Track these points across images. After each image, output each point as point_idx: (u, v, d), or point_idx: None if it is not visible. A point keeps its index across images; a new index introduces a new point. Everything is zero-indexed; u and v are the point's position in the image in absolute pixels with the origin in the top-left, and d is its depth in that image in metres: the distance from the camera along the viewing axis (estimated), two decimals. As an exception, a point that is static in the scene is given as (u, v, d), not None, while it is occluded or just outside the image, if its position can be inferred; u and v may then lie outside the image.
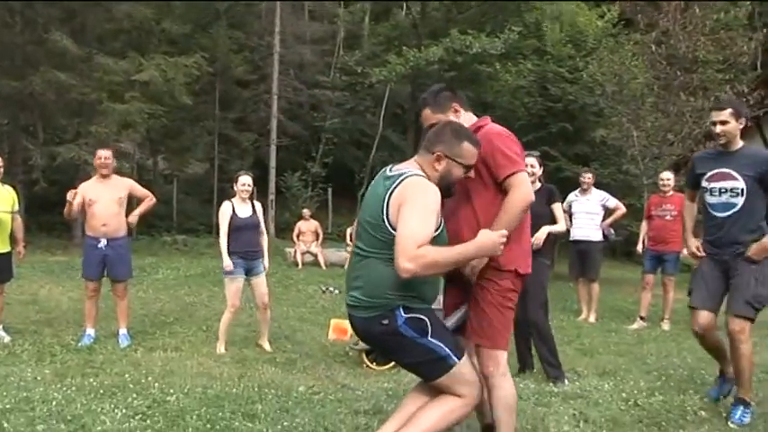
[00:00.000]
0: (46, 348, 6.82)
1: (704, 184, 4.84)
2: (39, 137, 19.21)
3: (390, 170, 3.27)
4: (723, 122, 4.68)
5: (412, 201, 3.04)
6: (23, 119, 19.36)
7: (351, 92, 25.27)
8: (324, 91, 24.93)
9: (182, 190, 23.30)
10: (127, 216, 7.47)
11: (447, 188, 3.29)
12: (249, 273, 7.35)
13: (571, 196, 10.15)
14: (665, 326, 9.35)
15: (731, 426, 4.44)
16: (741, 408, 4.55)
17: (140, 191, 7.79)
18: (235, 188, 7.51)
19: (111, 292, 7.54)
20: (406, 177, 3.14)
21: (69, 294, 10.75)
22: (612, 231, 10.19)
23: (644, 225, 9.94)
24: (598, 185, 10.43)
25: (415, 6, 24.28)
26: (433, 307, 3.32)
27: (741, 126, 4.74)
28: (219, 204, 7.72)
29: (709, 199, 4.79)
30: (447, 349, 3.19)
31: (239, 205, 7.40)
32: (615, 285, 13.67)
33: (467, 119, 3.62)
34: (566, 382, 5.88)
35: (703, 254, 4.86)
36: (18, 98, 17.78)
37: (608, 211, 10.08)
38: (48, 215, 18.43)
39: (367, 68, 22.32)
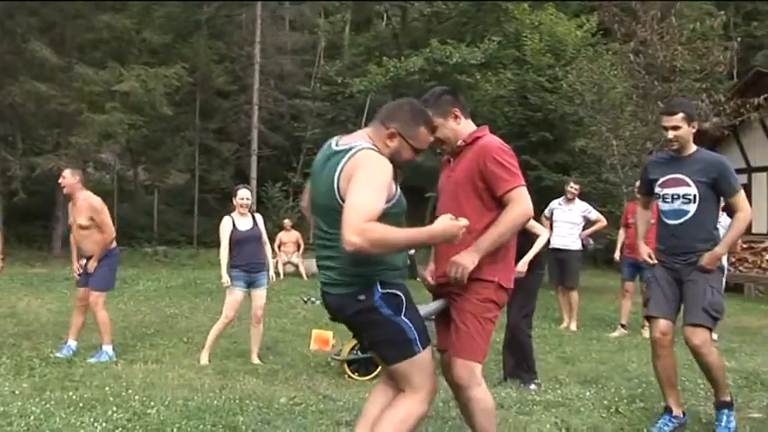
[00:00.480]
0: (25, 362, 6.73)
1: (657, 190, 4.65)
2: (18, 147, 19.08)
3: (337, 144, 3.14)
4: (675, 127, 4.46)
5: (361, 173, 2.90)
6: (2, 129, 19.22)
7: (331, 102, 25.33)
8: (304, 101, 24.97)
9: (162, 201, 23.23)
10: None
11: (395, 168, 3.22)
12: (251, 285, 7.32)
13: (554, 204, 10.20)
14: (646, 333, 9.39)
15: None
16: (725, 411, 4.43)
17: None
18: (234, 202, 7.43)
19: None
20: (357, 151, 3.00)
21: (48, 307, 10.66)
22: (591, 241, 10.26)
23: (621, 233, 10.01)
24: (579, 195, 10.49)
25: (396, 17, 24.37)
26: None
27: (693, 130, 4.52)
28: (201, 215, 7.73)
29: (662, 206, 4.62)
30: (415, 332, 3.14)
31: (239, 219, 7.36)
32: (596, 293, 13.74)
33: (466, 126, 3.60)
34: (532, 386, 6.03)
35: (655, 261, 4.70)
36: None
37: (589, 222, 10.15)
38: (27, 226, 18.33)
39: (347, 79, 22.37)
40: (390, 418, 3.19)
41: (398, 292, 3.13)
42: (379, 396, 3.40)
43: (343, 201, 2.89)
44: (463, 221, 3.03)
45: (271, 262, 7.71)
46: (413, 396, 3.20)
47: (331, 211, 2.99)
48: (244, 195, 7.36)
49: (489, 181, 3.37)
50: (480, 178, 3.38)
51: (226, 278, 7.17)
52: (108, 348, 7.17)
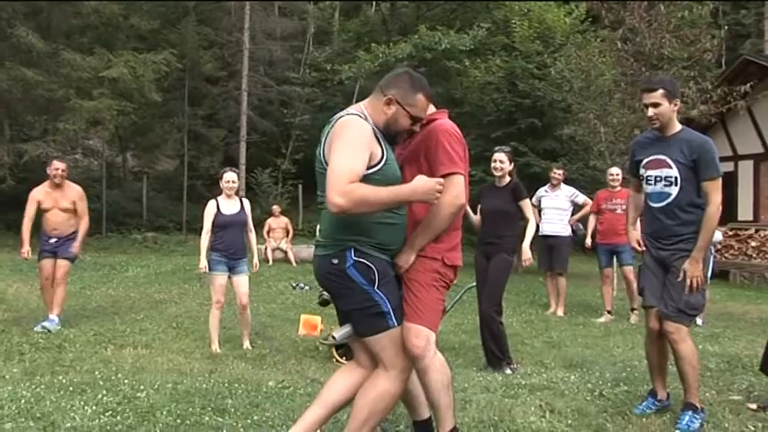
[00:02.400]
0: (15, 347, 6.77)
1: (641, 171, 4.47)
2: (5, 134, 18.98)
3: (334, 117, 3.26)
4: (655, 104, 4.27)
5: (340, 137, 3.04)
6: (-12, 116, 19.11)
7: (321, 88, 25.24)
8: (294, 87, 24.88)
9: (151, 187, 23.15)
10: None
11: (392, 137, 3.30)
12: (231, 271, 7.33)
13: (541, 191, 10.27)
14: (633, 319, 9.49)
15: None
16: (689, 413, 4.23)
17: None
18: (221, 185, 7.48)
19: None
20: (339, 119, 3.14)
21: (38, 293, 10.61)
22: (581, 227, 10.33)
23: (592, 219, 10.04)
24: (566, 181, 10.57)
25: (385, 3, 24.31)
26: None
27: (675, 108, 4.31)
28: (190, 201, 7.88)
29: (646, 188, 4.44)
30: (389, 306, 3.19)
31: (225, 202, 7.38)
32: (583, 280, 13.85)
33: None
34: (507, 370, 6.18)
35: (643, 248, 4.54)
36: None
37: (576, 207, 10.22)
38: (15, 213, 18.20)
39: (337, 65, 22.32)
40: (365, 395, 3.24)
41: (372, 265, 3.16)
42: (341, 376, 3.45)
43: (326, 163, 3.05)
44: (440, 180, 3.15)
45: (255, 249, 7.76)
46: (387, 373, 3.24)
47: (320, 176, 3.14)
48: (230, 178, 7.41)
49: (430, 162, 3.36)
50: (425, 157, 3.38)
51: (204, 263, 7.20)
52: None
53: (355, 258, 3.15)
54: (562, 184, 10.19)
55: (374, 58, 20.42)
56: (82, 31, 20.68)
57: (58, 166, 8.04)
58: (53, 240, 8.05)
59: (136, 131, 22.84)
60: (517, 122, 19.75)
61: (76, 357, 6.40)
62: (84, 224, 8.20)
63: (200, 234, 7.38)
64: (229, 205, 7.37)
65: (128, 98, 18.80)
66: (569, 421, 4.42)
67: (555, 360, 6.72)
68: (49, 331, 7.55)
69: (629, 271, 9.63)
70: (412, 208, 3.36)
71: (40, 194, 8.04)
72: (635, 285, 9.58)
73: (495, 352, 6.34)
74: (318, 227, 3.34)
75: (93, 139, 21.62)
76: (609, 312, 9.73)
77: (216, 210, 7.29)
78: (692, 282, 4.18)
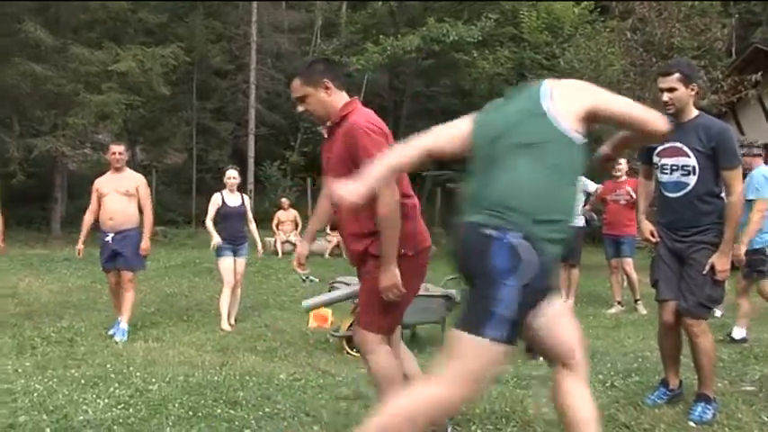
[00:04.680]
0: (27, 341, 6.81)
1: (655, 159, 4.25)
2: (15, 129, 19.03)
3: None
4: (671, 89, 4.05)
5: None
6: (-1, 111, 19.18)
7: (329, 80, 25.18)
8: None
9: (161, 181, 23.19)
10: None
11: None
12: (235, 254, 8.20)
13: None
14: (642, 309, 9.45)
15: (690, 424, 4.10)
16: (702, 404, 4.17)
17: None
18: (224, 180, 8.35)
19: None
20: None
21: (49, 287, 10.72)
22: (594, 216, 10.27)
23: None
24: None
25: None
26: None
27: (693, 93, 4.09)
28: (199, 195, 8.19)
29: (661, 177, 4.22)
30: (506, 313, 2.48)
31: (228, 196, 8.26)
32: (594, 270, 13.79)
33: (338, 99, 3.48)
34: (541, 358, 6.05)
35: (657, 239, 4.35)
36: (-9, 90, 17.60)
37: (588, 197, 10.15)
38: (26, 208, 18.30)
39: (344, 57, 22.29)
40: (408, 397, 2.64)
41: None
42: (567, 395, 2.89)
43: None
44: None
45: (258, 238, 8.63)
46: (439, 386, 2.56)
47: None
48: (231, 175, 8.32)
49: (360, 166, 3.18)
50: (353, 162, 3.27)
51: (217, 239, 8.01)
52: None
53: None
54: (573, 175, 10.13)
55: (382, 51, 20.36)
56: (90, 26, 20.71)
57: (114, 150, 7.50)
58: (109, 238, 7.28)
59: (144, 125, 22.90)
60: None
61: (88, 351, 6.42)
62: (148, 216, 7.49)
63: (205, 221, 8.24)
64: (232, 198, 8.27)
65: (136, 92, 18.85)
66: (581, 412, 4.40)
67: (566, 351, 6.69)
68: (116, 342, 6.96)
69: (629, 263, 9.59)
70: (341, 220, 3.41)
71: (99, 181, 7.54)
72: (634, 277, 9.58)
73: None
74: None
75: (102, 133, 21.65)
76: (619, 303, 9.69)
77: (221, 202, 8.19)
78: (718, 275, 4.05)
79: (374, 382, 3.51)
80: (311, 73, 3.48)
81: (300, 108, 3.53)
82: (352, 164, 3.26)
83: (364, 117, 3.39)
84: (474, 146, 2.80)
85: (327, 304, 6.80)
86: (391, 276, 3.29)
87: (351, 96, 3.57)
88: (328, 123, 3.50)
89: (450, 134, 2.90)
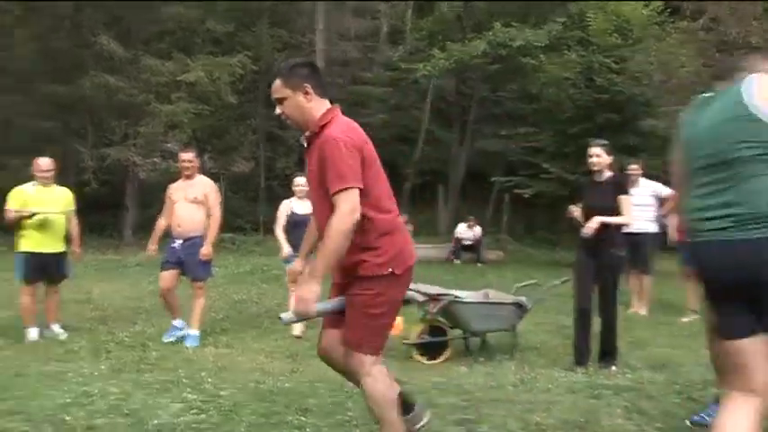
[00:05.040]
0: (101, 345, 6.96)
1: None
2: (88, 139, 19.57)
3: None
4: None
5: None
6: (74, 122, 19.75)
7: (394, 87, 25.23)
8: (367, 87, 24.92)
9: (229, 188, 23.50)
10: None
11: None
12: None
13: (620, 190, 9.96)
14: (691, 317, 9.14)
15: None
16: None
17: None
18: (293, 188, 8.24)
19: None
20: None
21: (121, 293, 10.94)
22: (668, 223, 9.98)
23: (673, 217, 9.66)
24: (648, 177, 10.23)
25: (459, 2, 24.12)
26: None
27: None
28: (266, 202, 8.19)
29: None
30: None
31: (297, 203, 8.08)
32: (666, 277, 13.44)
33: (318, 106, 3.37)
34: (614, 367, 6.06)
35: None
36: (68, 102, 18.13)
37: (662, 201, 9.87)
38: (98, 216, 18.78)
39: (410, 64, 22.27)
40: None
41: None
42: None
43: None
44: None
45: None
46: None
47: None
48: (299, 183, 8.09)
49: (325, 180, 3.17)
50: (321, 172, 3.20)
51: (287, 248, 7.79)
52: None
53: None
54: (641, 180, 9.88)
55: (449, 56, 20.29)
56: (160, 37, 21.17)
57: (184, 157, 7.60)
58: (176, 244, 7.38)
59: (212, 134, 23.25)
60: (594, 118, 19.36)
61: (160, 356, 6.52)
62: (214, 221, 7.44)
63: (275, 229, 8.13)
64: (302, 206, 7.95)
65: (204, 101, 19.17)
66: (657, 424, 4.29)
67: (640, 360, 6.52)
68: (186, 348, 7.07)
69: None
70: (318, 222, 3.32)
71: (172, 187, 7.66)
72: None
73: (612, 347, 6.21)
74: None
75: (171, 142, 22.09)
76: (694, 311, 9.40)
77: (290, 209, 8.04)
78: None
79: (370, 405, 3.35)
80: (292, 75, 3.37)
81: (278, 110, 3.42)
82: (320, 174, 3.20)
83: (340, 128, 3.28)
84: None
85: (307, 319, 6.73)
86: (310, 289, 3.16)
87: (333, 104, 3.48)
88: (307, 133, 3.38)
89: None
